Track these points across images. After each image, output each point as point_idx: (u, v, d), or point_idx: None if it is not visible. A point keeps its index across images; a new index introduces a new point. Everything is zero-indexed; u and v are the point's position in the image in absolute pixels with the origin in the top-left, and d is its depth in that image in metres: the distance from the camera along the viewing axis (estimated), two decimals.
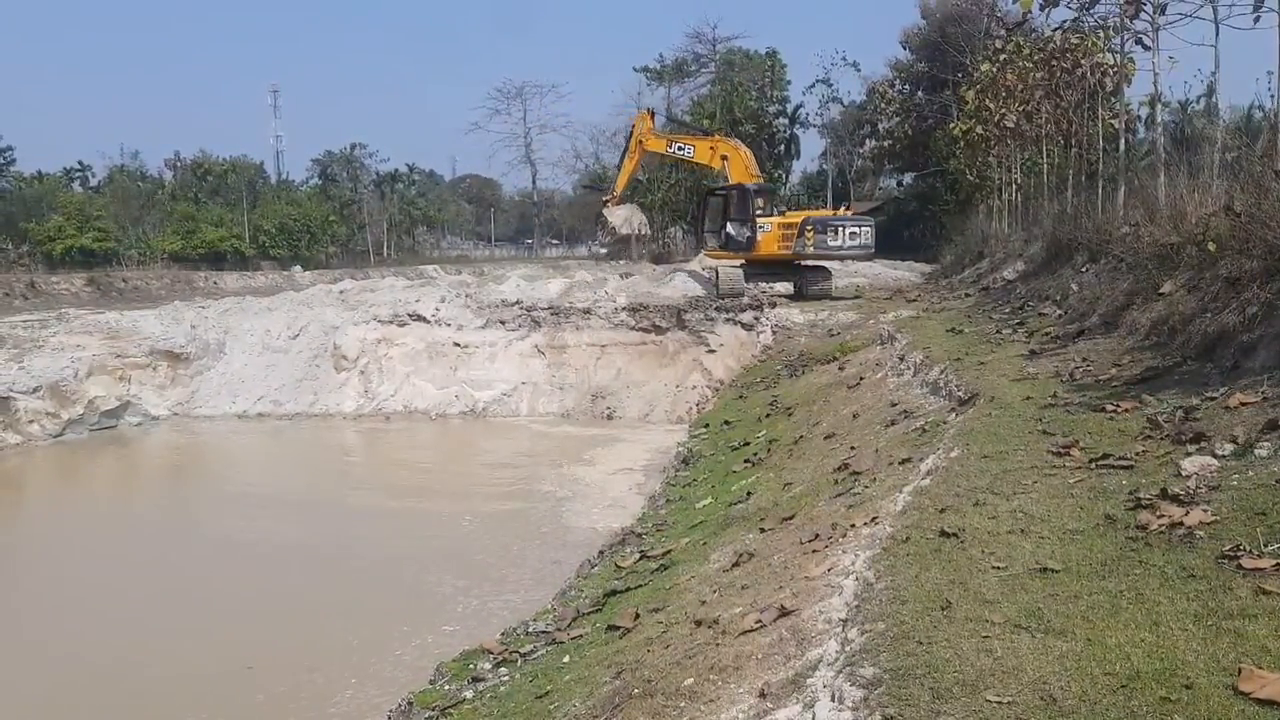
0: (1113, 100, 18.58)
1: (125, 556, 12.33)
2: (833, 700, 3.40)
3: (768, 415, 13.90)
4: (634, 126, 29.70)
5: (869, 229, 24.52)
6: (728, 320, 21.33)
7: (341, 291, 27.78)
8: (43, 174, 69.07)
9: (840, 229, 24.00)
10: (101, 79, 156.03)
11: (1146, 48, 13.32)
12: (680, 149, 28.48)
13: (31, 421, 18.68)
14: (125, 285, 46.55)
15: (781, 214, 26.14)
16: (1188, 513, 4.50)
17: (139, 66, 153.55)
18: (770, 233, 24.47)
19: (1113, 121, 18.17)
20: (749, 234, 24.83)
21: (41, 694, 7.97)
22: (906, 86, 55.49)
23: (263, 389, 21.49)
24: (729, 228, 25.70)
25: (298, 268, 59.97)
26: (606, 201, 30.19)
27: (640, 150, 28.69)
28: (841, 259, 25.06)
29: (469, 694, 6.16)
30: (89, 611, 10.12)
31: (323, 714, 7.20)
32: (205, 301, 29.42)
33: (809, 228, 23.78)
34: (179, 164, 74.44)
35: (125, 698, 7.93)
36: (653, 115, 30.46)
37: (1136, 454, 5.70)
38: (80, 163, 72.30)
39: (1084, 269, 13.63)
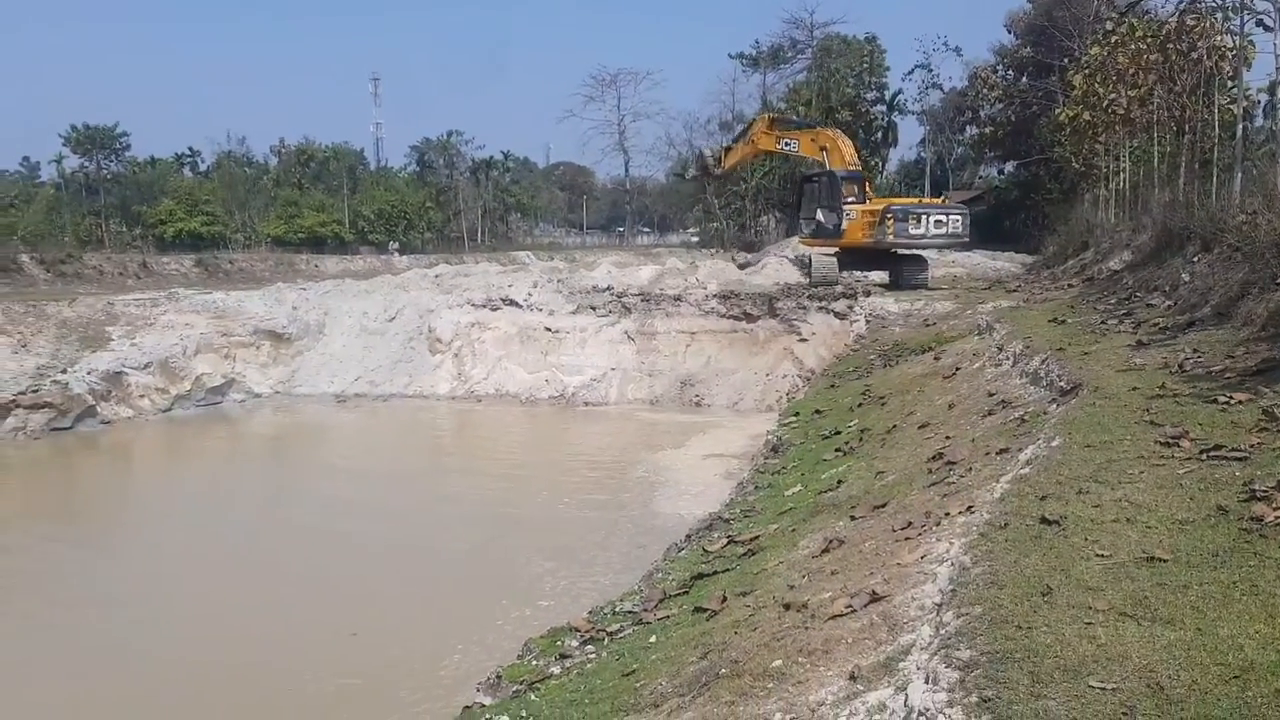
0: (1230, 85, 17.78)
1: (233, 530, 12.81)
2: (926, 682, 3.32)
3: (860, 404, 13.67)
4: (751, 124, 31.13)
5: (960, 218, 24.03)
6: (820, 309, 21.08)
7: (437, 276, 28.30)
8: (155, 159, 71.67)
9: (924, 217, 23.52)
10: (212, 67, 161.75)
11: (1268, 29, 12.69)
12: (787, 145, 28.68)
13: (142, 396, 19.49)
14: (231, 267, 48.04)
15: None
16: None
17: (247, 55, 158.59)
18: (855, 220, 24.17)
19: (1230, 107, 17.40)
20: (836, 221, 24.68)
21: (163, 661, 8.39)
22: (1010, 72, 53.98)
23: (360, 369, 22.03)
24: (819, 214, 25.66)
25: (395, 245, 61.28)
26: (708, 170, 31.87)
27: (752, 146, 29.68)
28: (924, 248, 24.52)
29: (556, 670, 6.20)
30: (200, 579, 10.53)
31: (434, 675, 7.59)
32: (306, 284, 30.22)
33: (889, 215, 23.32)
34: (284, 150, 76.38)
35: (242, 659, 8.30)
36: (771, 120, 31.08)
37: (1251, 445, 5.45)
38: (190, 148, 74.62)
39: (1195, 259, 13.07)
